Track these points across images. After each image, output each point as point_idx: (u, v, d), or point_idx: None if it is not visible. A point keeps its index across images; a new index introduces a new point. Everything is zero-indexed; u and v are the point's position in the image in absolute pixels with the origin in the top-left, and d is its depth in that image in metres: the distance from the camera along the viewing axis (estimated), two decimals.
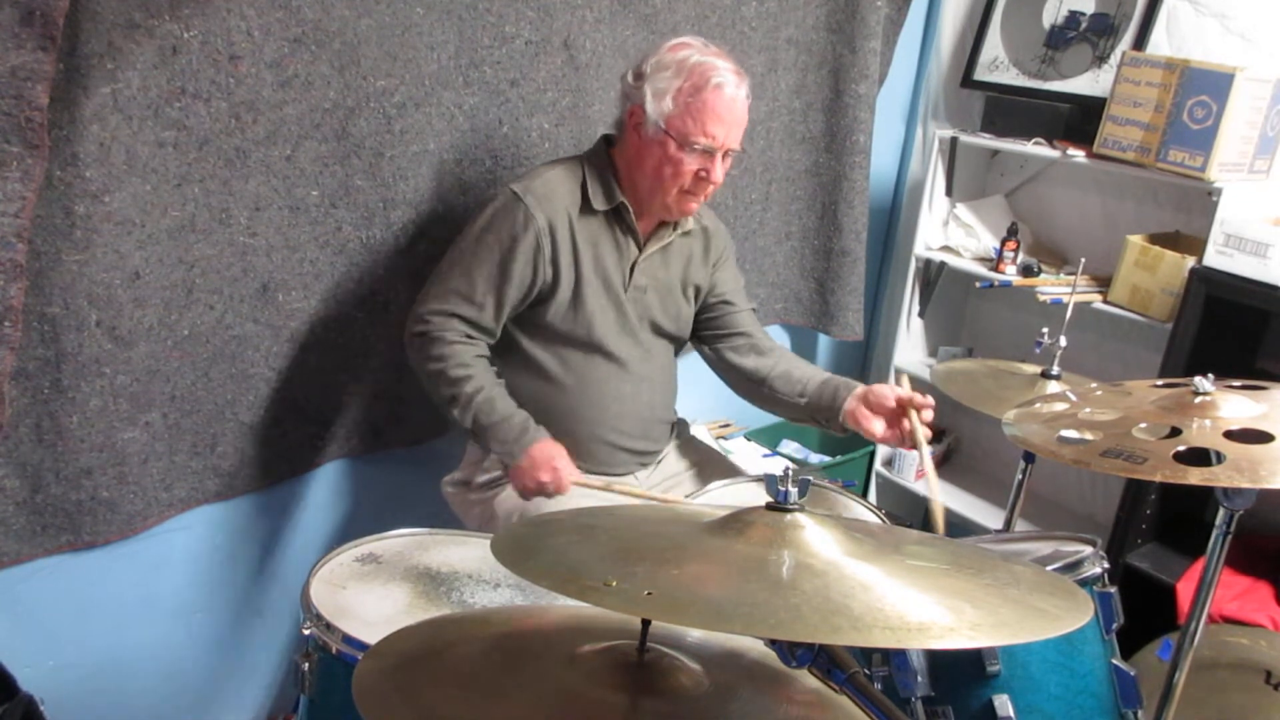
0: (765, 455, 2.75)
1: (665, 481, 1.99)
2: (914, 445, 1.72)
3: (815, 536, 0.91)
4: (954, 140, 2.67)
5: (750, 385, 1.98)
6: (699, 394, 2.15)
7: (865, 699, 0.84)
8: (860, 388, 1.82)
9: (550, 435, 1.78)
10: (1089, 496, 2.78)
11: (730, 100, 1.73)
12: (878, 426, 1.77)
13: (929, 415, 1.74)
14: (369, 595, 1.39)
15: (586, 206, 1.80)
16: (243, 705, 2.17)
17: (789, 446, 2.94)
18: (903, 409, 1.75)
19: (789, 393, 1.91)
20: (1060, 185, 2.75)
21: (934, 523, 1.70)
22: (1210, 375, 1.37)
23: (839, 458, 2.88)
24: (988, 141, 2.62)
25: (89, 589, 1.84)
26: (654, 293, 1.90)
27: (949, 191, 2.77)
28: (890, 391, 1.77)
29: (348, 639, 1.28)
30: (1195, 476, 1.17)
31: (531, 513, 1.77)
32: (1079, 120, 2.49)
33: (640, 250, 1.86)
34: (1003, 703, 1.28)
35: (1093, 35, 2.57)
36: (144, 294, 1.69)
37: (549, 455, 1.74)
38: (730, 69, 1.74)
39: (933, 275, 2.80)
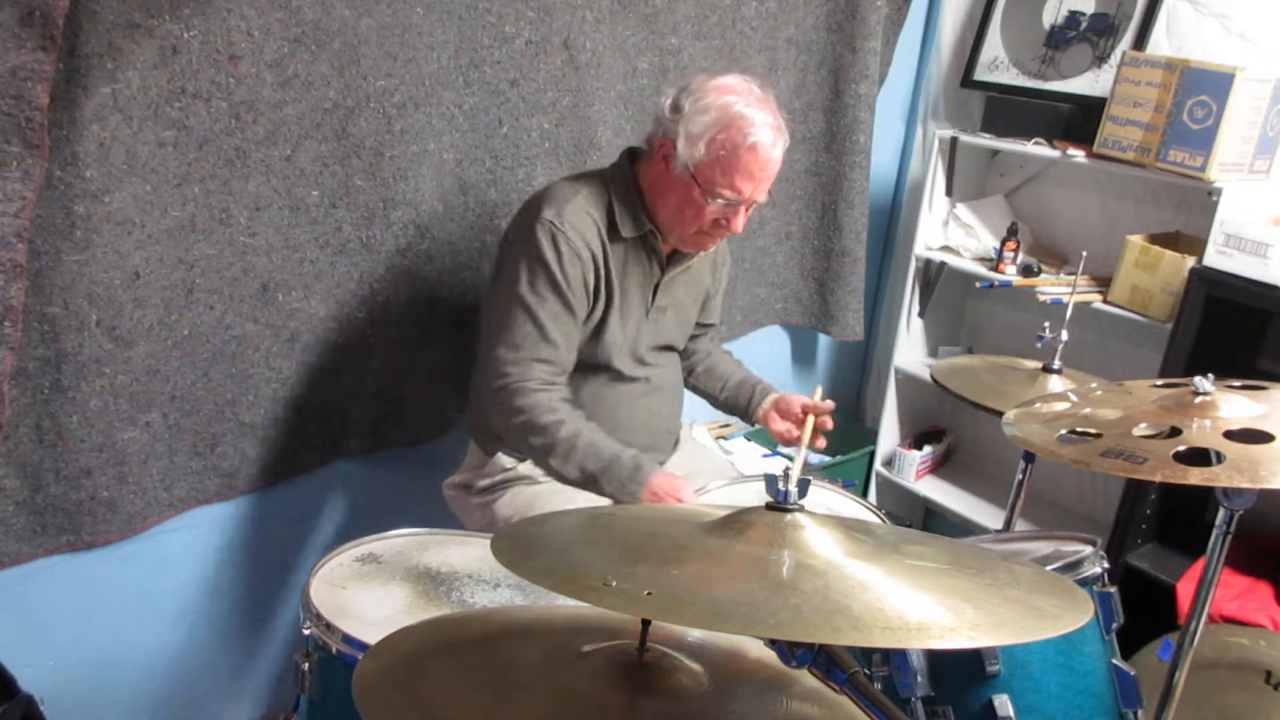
0: (765, 455, 2.75)
1: None
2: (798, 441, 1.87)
3: (815, 536, 0.91)
4: (954, 140, 2.67)
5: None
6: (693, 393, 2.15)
7: (865, 699, 0.84)
8: (774, 394, 2.00)
9: (660, 466, 1.73)
10: (1089, 496, 2.78)
11: (765, 160, 1.67)
12: (780, 426, 1.97)
13: (828, 421, 1.90)
14: (369, 595, 1.39)
15: (614, 234, 1.77)
16: (243, 705, 2.17)
17: (791, 447, 2.94)
18: (806, 414, 1.90)
19: (710, 387, 2.08)
20: (1060, 185, 2.75)
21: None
22: (1210, 375, 1.37)
23: (839, 458, 2.88)
24: (988, 141, 2.62)
25: (89, 589, 1.84)
26: (672, 312, 1.90)
27: (949, 191, 2.77)
28: (798, 400, 1.94)
29: (348, 639, 1.27)
30: (1195, 476, 1.17)
31: (533, 514, 1.76)
32: (1079, 120, 2.49)
33: (663, 272, 1.84)
34: (1003, 703, 1.28)
35: (1093, 35, 2.57)
36: (144, 294, 1.69)
37: (672, 487, 1.68)
38: (770, 123, 1.67)
39: (933, 275, 2.80)
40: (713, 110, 1.66)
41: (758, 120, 1.66)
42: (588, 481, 1.71)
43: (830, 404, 1.90)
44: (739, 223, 1.73)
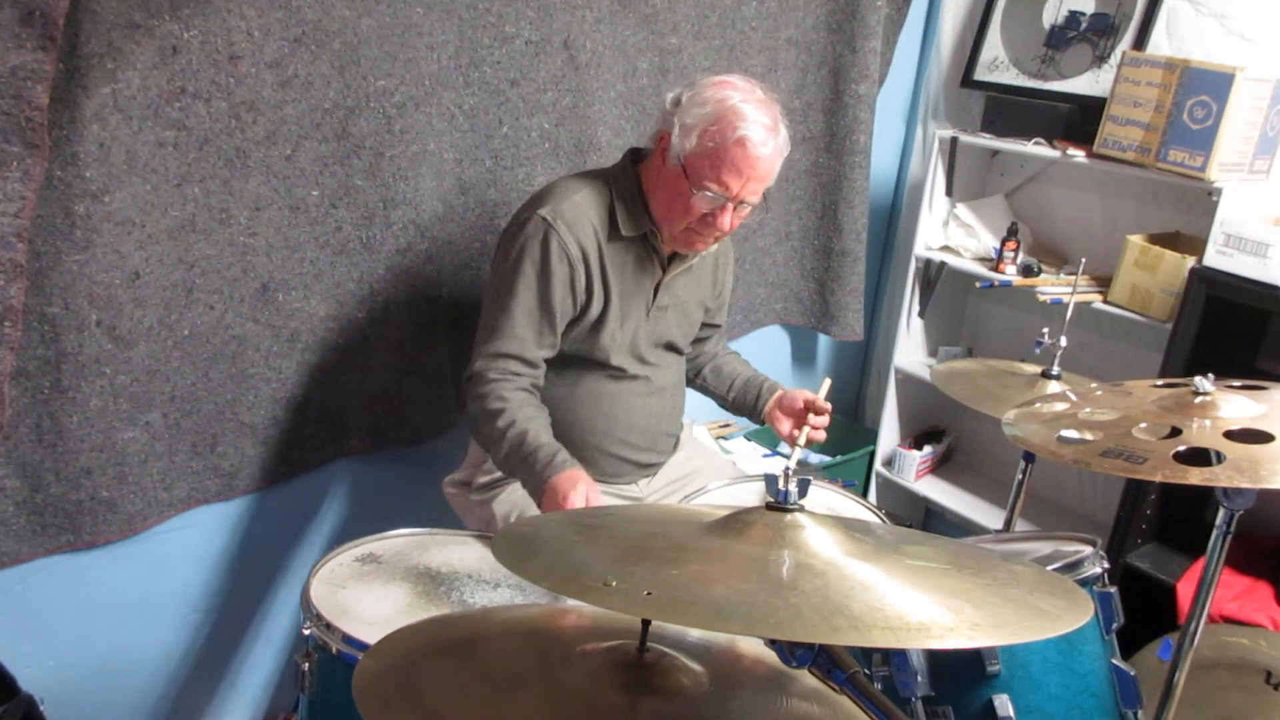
0: (765, 455, 2.75)
1: (668, 486, 1.99)
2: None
3: (815, 536, 0.91)
4: (954, 140, 2.67)
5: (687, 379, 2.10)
6: (698, 394, 2.15)
7: (865, 699, 0.84)
8: (779, 391, 1.99)
9: (579, 463, 1.67)
10: (1089, 496, 2.78)
11: (753, 157, 1.64)
12: (785, 426, 1.96)
13: (824, 420, 1.90)
14: (369, 595, 1.39)
15: (614, 232, 1.76)
16: (243, 705, 2.17)
17: (789, 447, 2.94)
18: (808, 409, 1.91)
19: (718, 387, 2.08)
20: (1060, 185, 2.75)
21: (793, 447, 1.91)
22: (1210, 375, 1.37)
23: (839, 458, 2.88)
24: (988, 141, 2.62)
25: (89, 589, 1.84)
26: (674, 312, 1.89)
27: (949, 191, 2.77)
28: (801, 396, 1.94)
29: (348, 639, 1.28)
30: (1195, 476, 1.18)
31: (531, 513, 1.76)
32: (1079, 120, 2.49)
33: (665, 272, 1.84)
34: (1003, 703, 1.28)
35: (1093, 35, 2.57)
36: (144, 294, 1.69)
37: (573, 481, 1.61)
38: (763, 122, 1.64)
39: (933, 275, 2.80)
40: (709, 103, 1.66)
41: (750, 116, 1.64)
42: (512, 468, 1.69)
43: (828, 405, 1.91)
44: (725, 221, 1.70)
